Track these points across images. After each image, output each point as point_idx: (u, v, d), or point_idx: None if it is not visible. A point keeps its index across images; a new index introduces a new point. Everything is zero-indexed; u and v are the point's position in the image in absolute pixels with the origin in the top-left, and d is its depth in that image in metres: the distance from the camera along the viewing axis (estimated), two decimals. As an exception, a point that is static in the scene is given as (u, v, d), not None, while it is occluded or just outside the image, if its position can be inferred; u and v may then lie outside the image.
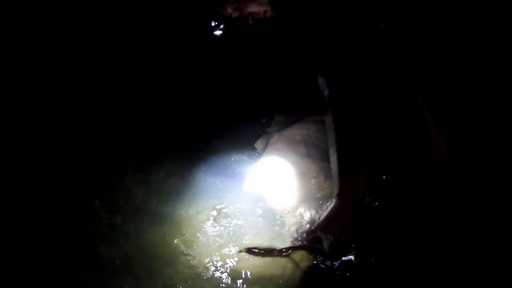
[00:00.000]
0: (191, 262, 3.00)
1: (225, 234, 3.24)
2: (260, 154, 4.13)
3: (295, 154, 3.80)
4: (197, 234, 3.23)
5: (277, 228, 3.29)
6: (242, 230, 3.28)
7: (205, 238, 3.21)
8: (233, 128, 4.49)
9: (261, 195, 3.64)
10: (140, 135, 4.26)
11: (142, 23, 4.55)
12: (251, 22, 2.95)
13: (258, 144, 4.25)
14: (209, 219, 3.38)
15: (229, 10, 3.03)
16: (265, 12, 2.94)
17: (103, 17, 4.40)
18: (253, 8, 2.98)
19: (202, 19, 4.08)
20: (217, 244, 3.17)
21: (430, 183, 2.88)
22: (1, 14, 4.06)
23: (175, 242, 3.13)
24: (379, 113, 2.98)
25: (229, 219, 3.39)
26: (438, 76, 2.44)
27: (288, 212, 3.37)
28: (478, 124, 2.32)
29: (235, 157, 4.13)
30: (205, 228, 3.30)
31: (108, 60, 4.56)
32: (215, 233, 3.25)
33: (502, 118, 2.23)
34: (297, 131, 4.00)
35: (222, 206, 3.52)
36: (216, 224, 3.34)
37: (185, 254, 3.05)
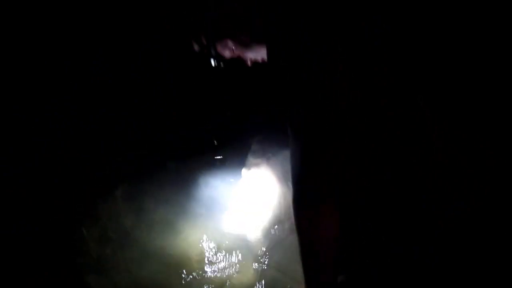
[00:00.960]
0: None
1: (215, 269, 3.22)
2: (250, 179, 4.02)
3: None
4: (188, 269, 3.17)
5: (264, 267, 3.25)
6: (231, 266, 3.23)
7: (196, 273, 3.17)
8: (231, 139, 4.44)
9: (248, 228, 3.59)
10: (140, 135, 4.26)
11: (142, 23, 4.55)
12: (249, 65, 3.03)
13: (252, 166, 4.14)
14: (201, 254, 3.33)
15: (228, 53, 3.09)
16: (263, 58, 2.99)
17: (103, 17, 4.41)
18: (252, 55, 3.03)
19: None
20: (208, 278, 3.15)
21: (430, 183, 2.88)
22: (1, 14, 4.06)
23: (165, 275, 3.09)
24: (379, 113, 2.98)
25: (219, 253, 3.34)
26: (438, 76, 2.44)
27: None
28: (478, 124, 2.32)
29: (224, 183, 4.05)
30: (196, 263, 3.27)
31: (108, 60, 4.56)
32: (206, 269, 3.22)
33: (502, 118, 2.23)
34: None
35: (213, 241, 3.45)
36: (207, 261, 3.30)
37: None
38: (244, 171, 4.06)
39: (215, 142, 4.34)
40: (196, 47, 3.11)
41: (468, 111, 2.36)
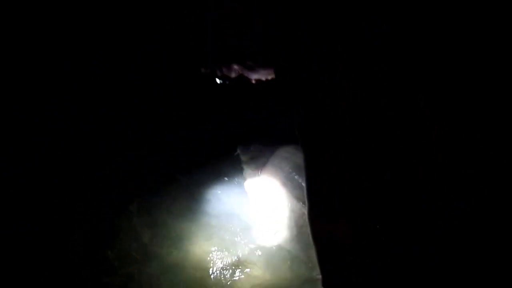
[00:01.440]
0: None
1: (237, 277, 3.26)
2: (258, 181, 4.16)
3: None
4: (206, 281, 3.21)
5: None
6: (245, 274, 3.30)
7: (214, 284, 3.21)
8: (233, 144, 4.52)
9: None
10: (140, 135, 4.26)
11: (142, 23, 4.56)
12: (253, 83, 3.15)
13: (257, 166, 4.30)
14: (216, 266, 3.35)
15: (233, 74, 3.21)
16: (267, 78, 3.10)
17: (103, 17, 4.41)
18: (256, 76, 3.14)
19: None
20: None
21: (430, 183, 2.88)
22: (1, 14, 4.06)
23: None
24: (379, 113, 2.98)
25: (233, 264, 3.38)
26: (438, 76, 2.44)
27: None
28: (478, 124, 2.32)
29: (231, 193, 4.12)
30: (212, 274, 3.29)
31: (108, 60, 4.56)
32: (223, 278, 3.25)
33: (502, 118, 2.23)
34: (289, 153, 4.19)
35: (227, 251, 3.50)
36: (222, 271, 3.33)
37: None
38: (247, 180, 4.21)
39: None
40: (203, 70, 3.20)
41: (468, 111, 2.35)
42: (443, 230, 2.87)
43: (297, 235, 3.52)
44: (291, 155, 4.17)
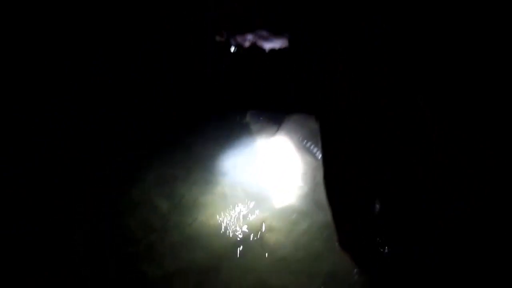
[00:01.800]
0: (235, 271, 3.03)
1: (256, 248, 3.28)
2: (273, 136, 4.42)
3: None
4: (227, 245, 3.24)
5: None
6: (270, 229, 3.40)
7: (235, 246, 3.24)
8: (237, 123, 4.61)
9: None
10: (140, 135, 4.26)
11: (142, 23, 4.55)
12: (267, 52, 3.22)
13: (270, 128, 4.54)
14: (236, 230, 3.40)
15: (247, 43, 3.28)
16: (280, 47, 3.18)
17: (103, 17, 4.41)
18: (270, 46, 3.21)
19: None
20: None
21: (430, 183, 2.88)
22: (1, 14, 4.06)
23: (208, 256, 3.14)
24: (379, 113, 2.98)
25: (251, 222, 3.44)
26: (438, 76, 2.44)
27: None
28: (478, 124, 2.32)
29: (245, 156, 4.21)
30: (234, 239, 3.32)
31: (108, 60, 4.56)
32: (245, 240, 3.30)
33: (502, 118, 2.23)
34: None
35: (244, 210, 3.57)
36: (244, 237, 3.36)
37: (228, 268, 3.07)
38: (259, 147, 4.38)
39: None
40: (218, 38, 3.27)
41: (468, 111, 2.36)
42: (443, 230, 2.87)
43: (312, 197, 3.68)
44: (302, 123, 4.43)
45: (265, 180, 3.91)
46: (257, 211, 3.56)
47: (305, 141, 4.27)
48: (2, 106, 4.14)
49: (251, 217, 3.50)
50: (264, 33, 3.03)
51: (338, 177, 3.29)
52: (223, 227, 3.41)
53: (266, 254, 3.17)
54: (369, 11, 2.64)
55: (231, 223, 3.45)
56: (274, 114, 4.64)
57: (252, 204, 3.63)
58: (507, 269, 2.43)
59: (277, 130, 4.51)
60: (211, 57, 4.92)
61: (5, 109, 4.14)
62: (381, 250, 3.01)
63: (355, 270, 2.98)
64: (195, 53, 4.87)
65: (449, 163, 2.59)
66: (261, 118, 4.73)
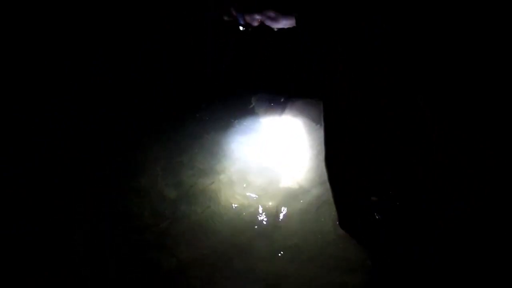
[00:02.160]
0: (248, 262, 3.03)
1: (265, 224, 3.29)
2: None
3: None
4: (242, 231, 3.25)
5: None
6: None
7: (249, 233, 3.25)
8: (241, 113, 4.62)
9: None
10: (140, 135, 4.26)
11: (142, 23, 4.55)
12: (275, 30, 3.24)
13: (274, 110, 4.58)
14: (246, 215, 3.39)
15: (255, 23, 3.30)
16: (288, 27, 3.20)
17: (103, 17, 4.41)
18: (278, 25, 3.23)
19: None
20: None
21: (430, 183, 2.88)
22: (1, 14, 4.06)
23: (221, 244, 3.13)
24: (379, 113, 2.98)
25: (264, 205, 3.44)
26: (438, 76, 2.44)
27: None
28: (478, 124, 2.32)
29: (253, 141, 4.22)
30: (246, 225, 3.32)
31: (108, 60, 4.56)
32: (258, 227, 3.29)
33: (502, 118, 2.23)
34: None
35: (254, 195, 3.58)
36: (255, 222, 3.35)
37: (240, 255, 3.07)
38: (265, 131, 4.38)
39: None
40: (226, 18, 3.30)
41: (468, 111, 2.35)
42: (443, 230, 2.87)
43: (320, 177, 3.68)
44: (307, 107, 4.45)
45: (274, 163, 3.92)
46: (269, 196, 3.55)
47: (313, 122, 4.27)
48: (2, 106, 4.14)
49: (264, 203, 3.50)
50: (271, 13, 3.07)
51: (338, 177, 3.29)
52: (235, 214, 3.40)
53: (279, 240, 3.17)
54: (369, 11, 2.64)
55: (243, 209, 3.44)
56: (279, 97, 4.64)
57: (263, 190, 3.62)
58: (507, 269, 2.43)
59: (283, 112, 4.53)
60: (211, 57, 4.92)
61: (5, 109, 4.14)
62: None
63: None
64: (195, 53, 4.87)
65: (449, 163, 2.59)
66: (266, 101, 4.74)
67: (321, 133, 4.04)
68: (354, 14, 2.72)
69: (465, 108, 2.36)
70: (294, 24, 3.12)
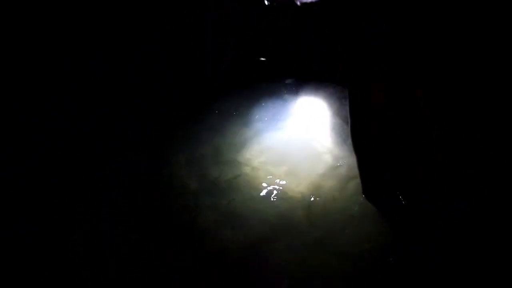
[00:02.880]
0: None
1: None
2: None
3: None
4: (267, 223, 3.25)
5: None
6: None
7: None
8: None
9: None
10: (140, 135, 4.26)
11: (142, 23, 4.55)
12: (299, 5, 3.24)
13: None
14: (269, 212, 3.39)
15: None
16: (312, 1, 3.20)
17: (103, 18, 4.40)
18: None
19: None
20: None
21: (430, 183, 2.88)
22: (1, 14, 4.06)
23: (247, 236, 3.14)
24: (379, 113, 2.98)
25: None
26: (438, 76, 2.44)
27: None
28: (478, 124, 2.32)
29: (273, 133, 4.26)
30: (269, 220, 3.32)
31: (108, 60, 4.56)
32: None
33: (502, 118, 2.23)
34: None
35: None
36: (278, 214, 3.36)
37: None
38: (289, 120, 4.46)
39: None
40: None
41: (468, 111, 2.35)
42: (443, 230, 2.87)
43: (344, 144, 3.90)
44: (333, 92, 4.46)
45: (294, 150, 3.96)
46: (294, 185, 3.57)
47: (338, 102, 4.31)
48: (2, 106, 4.14)
49: (289, 192, 3.51)
50: None
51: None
52: (260, 206, 3.41)
53: (305, 232, 3.17)
54: (369, 11, 2.64)
55: (267, 202, 3.45)
56: (298, 81, 4.73)
57: (286, 180, 3.63)
58: (507, 269, 2.43)
59: (300, 96, 4.63)
60: (211, 57, 4.92)
61: (5, 109, 4.14)
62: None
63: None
64: (195, 53, 4.87)
65: (449, 163, 2.59)
66: (291, 83, 4.84)
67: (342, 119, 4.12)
68: (354, 14, 2.72)
69: (465, 108, 2.36)
70: None
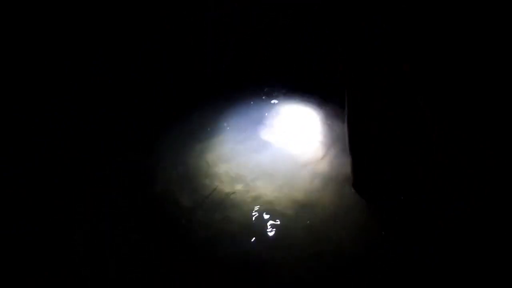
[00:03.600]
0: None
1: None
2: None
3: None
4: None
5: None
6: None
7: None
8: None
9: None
10: (140, 135, 4.26)
11: (142, 23, 4.55)
12: None
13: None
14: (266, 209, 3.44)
15: None
16: None
17: (103, 18, 4.41)
18: None
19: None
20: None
21: (430, 183, 2.88)
22: (1, 14, 4.06)
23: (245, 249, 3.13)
24: (379, 113, 2.98)
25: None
26: (438, 76, 2.44)
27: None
28: (478, 124, 2.32)
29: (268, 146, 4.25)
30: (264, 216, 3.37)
31: (108, 60, 4.56)
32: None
33: (502, 118, 2.23)
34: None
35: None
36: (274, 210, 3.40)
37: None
38: (279, 123, 4.51)
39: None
40: None
41: (468, 111, 2.35)
42: (443, 230, 2.87)
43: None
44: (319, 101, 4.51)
45: (287, 164, 3.95)
46: (285, 201, 3.55)
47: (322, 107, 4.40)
48: (2, 106, 4.14)
49: (281, 209, 3.49)
50: None
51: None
52: (252, 221, 3.40)
53: (298, 250, 3.15)
54: (369, 11, 2.64)
55: (261, 216, 3.44)
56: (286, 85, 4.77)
57: (278, 194, 3.61)
58: (507, 269, 2.43)
59: (293, 101, 4.68)
60: (211, 57, 4.92)
61: (5, 109, 4.14)
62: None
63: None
64: (195, 53, 4.87)
65: (449, 163, 2.59)
66: (277, 90, 4.87)
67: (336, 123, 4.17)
68: (354, 14, 2.72)
69: (464, 109, 2.36)
70: None
